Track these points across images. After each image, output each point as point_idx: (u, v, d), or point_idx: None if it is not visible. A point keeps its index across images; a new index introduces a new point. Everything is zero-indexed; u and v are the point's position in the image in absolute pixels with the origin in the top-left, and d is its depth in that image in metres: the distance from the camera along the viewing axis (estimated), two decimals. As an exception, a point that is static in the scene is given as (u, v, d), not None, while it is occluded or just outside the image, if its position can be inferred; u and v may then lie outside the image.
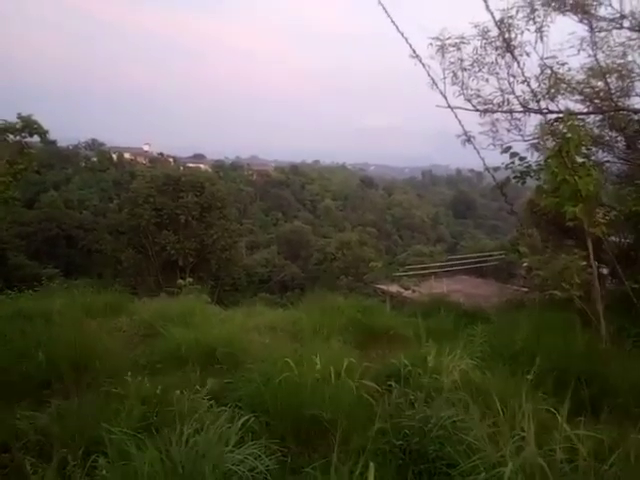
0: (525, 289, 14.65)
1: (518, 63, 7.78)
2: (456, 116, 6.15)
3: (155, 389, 4.78)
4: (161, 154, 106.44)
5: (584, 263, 7.27)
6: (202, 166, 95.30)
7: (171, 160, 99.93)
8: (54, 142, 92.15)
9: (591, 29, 9.15)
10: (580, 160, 6.71)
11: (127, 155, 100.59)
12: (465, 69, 9.84)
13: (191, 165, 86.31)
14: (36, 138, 14.86)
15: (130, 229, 38.59)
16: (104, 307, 8.26)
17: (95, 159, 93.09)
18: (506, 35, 8.75)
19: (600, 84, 9.52)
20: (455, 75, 9.84)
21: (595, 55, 9.29)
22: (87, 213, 67.26)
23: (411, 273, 21.47)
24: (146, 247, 37.07)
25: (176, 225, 37.82)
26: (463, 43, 9.69)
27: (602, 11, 9.11)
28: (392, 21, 5.27)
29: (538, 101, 8.64)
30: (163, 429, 3.96)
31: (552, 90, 9.26)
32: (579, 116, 8.68)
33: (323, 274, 56.62)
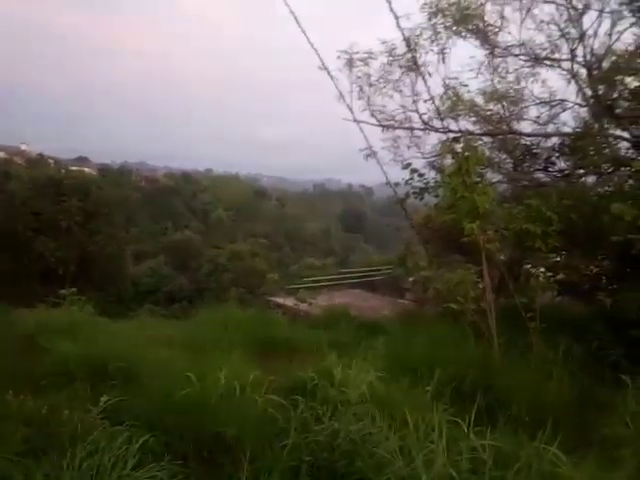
0: (414, 303, 15.17)
1: (424, 81, 8.08)
2: (361, 130, 6.23)
3: (40, 408, 4.34)
4: (41, 155, 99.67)
5: (476, 278, 7.61)
6: (86, 169, 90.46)
7: (52, 162, 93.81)
8: None
9: (490, 54, 9.73)
10: (476, 179, 7.04)
11: (1, 154, 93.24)
12: (371, 84, 10.09)
13: (74, 168, 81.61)
14: None
15: (4, 233, 35.61)
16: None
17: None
18: (412, 54, 9.06)
19: (495, 108, 10.14)
20: (362, 90, 10.07)
21: (492, 79, 9.91)
22: (-47, 215, 61.40)
23: (304, 286, 21.51)
24: (21, 253, 34.33)
25: (57, 231, 35.40)
26: (371, 58, 9.93)
27: (500, 38, 9.76)
28: (302, 31, 5.23)
29: (442, 119, 9.02)
30: (52, 453, 3.59)
31: (453, 110, 9.73)
32: (476, 137, 9.16)
33: (213, 285, 55.56)
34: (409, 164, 9.09)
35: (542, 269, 8.57)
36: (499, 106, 10.10)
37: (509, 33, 9.63)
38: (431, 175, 9.31)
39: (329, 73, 5.67)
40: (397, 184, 8.55)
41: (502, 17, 9.79)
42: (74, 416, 4.19)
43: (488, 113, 10.26)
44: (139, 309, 43.03)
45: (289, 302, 18.42)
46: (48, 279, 32.36)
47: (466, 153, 6.57)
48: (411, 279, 15.46)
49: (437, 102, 9.52)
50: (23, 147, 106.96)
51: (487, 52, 9.87)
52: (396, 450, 3.69)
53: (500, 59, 9.99)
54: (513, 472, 3.59)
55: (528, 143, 10.57)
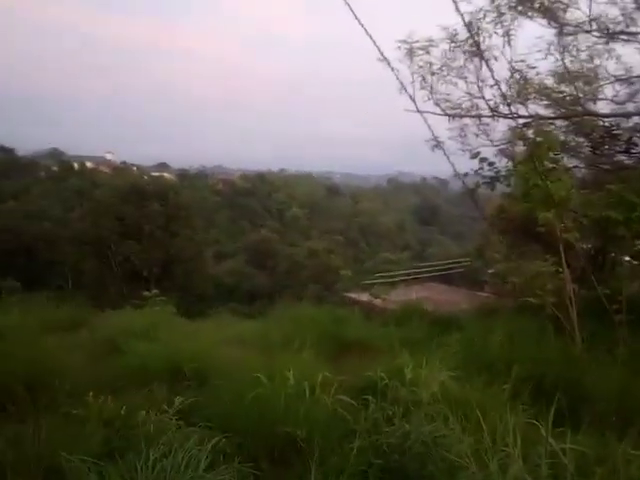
0: (494, 296, 14.70)
1: (488, 66, 7.75)
2: (425, 120, 6.05)
3: (119, 410, 4.50)
4: (124, 163, 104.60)
5: (556, 269, 7.25)
6: (166, 175, 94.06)
7: (134, 169, 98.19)
8: (12, 151, 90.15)
9: (559, 33, 9.20)
10: (551, 165, 6.69)
11: (89, 164, 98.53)
12: (434, 73, 9.75)
13: (155, 174, 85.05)
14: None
15: (93, 239, 37.62)
16: (63, 322, 7.88)
17: (55, 168, 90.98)
18: (475, 38, 8.72)
19: (568, 89, 9.59)
20: (424, 79, 9.76)
21: (563, 59, 9.35)
22: (48, 224, 65.45)
23: (380, 281, 21.36)
24: (109, 258, 36.17)
25: (140, 235, 37.04)
26: (431, 46, 9.61)
27: (569, 15, 9.19)
28: (360, 23, 5.12)
29: (508, 105, 8.62)
30: (128, 454, 3.70)
31: (521, 94, 9.27)
32: (547, 121, 8.71)
33: (291, 283, 56.37)
34: (478, 153, 8.75)
35: (627, 257, 8.04)
36: (571, 87, 9.50)
37: (578, 9, 9.05)
38: (502, 163, 8.93)
39: (389, 64, 5.54)
40: (467, 174, 8.28)
41: None
42: (150, 417, 4.32)
43: (560, 95, 9.68)
44: (221, 307, 44.46)
45: (365, 298, 18.36)
46: (134, 281, 33.89)
47: (538, 139, 6.25)
48: (490, 271, 15.03)
49: (504, 87, 9.14)
50: (108, 156, 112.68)
51: (556, 31, 9.32)
52: (469, 454, 3.54)
53: (570, 37, 9.41)
54: (598, 478, 3.36)
55: (607, 124, 9.93)
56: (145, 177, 65.49)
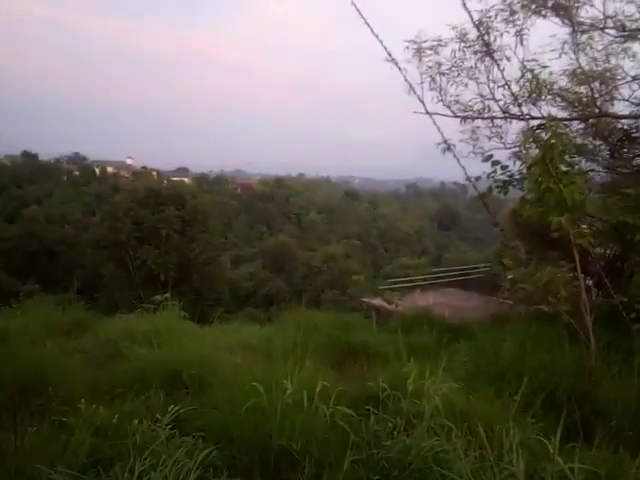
0: (510, 302, 14.39)
1: (498, 66, 7.51)
2: (434, 122, 5.84)
3: (111, 418, 4.37)
4: (144, 167, 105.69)
5: (570, 275, 6.99)
6: (186, 179, 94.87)
7: (154, 173, 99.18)
8: (35, 156, 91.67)
9: (574, 31, 8.91)
10: (564, 168, 6.45)
11: (110, 169, 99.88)
12: (443, 73, 9.50)
13: (175, 179, 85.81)
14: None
15: (111, 243, 37.87)
16: (68, 325, 7.80)
17: (77, 173, 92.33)
18: (485, 37, 8.49)
19: (583, 89, 9.29)
20: (433, 80, 9.52)
21: (577, 59, 9.06)
22: (69, 227, 66.36)
23: (397, 286, 21.13)
24: (127, 261, 36.32)
25: (157, 239, 37.13)
26: (440, 46, 9.38)
27: (584, 13, 8.91)
28: (366, 22, 4.95)
29: (520, 105, 8.37)
30: (114, 465, 3.57)
31: (534, 94, 9.00)
32: (562, 123, 8.44)
33: (308, 287, 56.30)
34: (490, 156, 8.50)
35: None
36: (587, 87, 9.20)
37: (593, 6, 8.74)
38: (515, 167, 8.68)
39: (396, 64, 5.36)
40: (479, 178, 8.04)
41: None
42: (142, 426, 4.18)
43: (575, 96, 9.39)
44: (239, 312, 44.50)
45: (378, 302, 18.14)
46: (151, 285, 33.97)
47: (550, 140, 6.02)
48: (508, 277, 14.74)
49: (515, 87, 8.87)
50: (129, 161, 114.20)
51: (570, 29, 9.00)
52: (469, 473, 3.34)
53: (585, 36, 9.09)
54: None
55: (625, 127, 9.60)
56: (165, 181, 66.09)
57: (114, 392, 5.25)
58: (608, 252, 9.34)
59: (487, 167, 8.61)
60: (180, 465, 3.57)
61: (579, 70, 9.09)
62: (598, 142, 10.01)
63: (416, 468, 3.67)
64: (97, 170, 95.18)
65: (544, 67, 9.04)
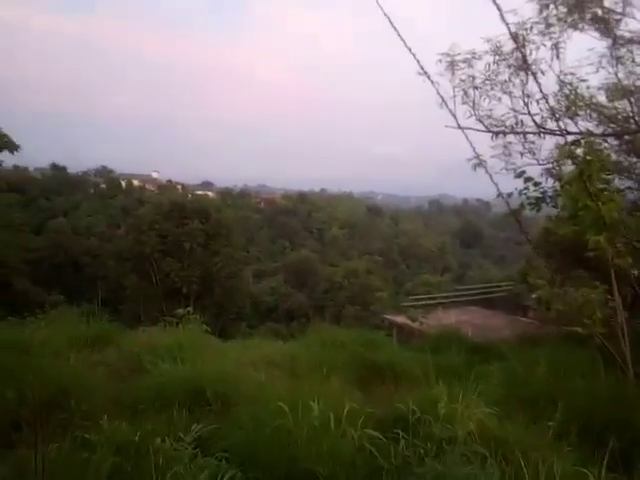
0: (537, 322, 14.07)
1: (536, 79, 7.32)
2: (467, 137, 5.69)
3: (133, 435, 4.27)
4: (169, 181, 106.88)
5: (606, 297, 6.73)
6: (210, 194, 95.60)
7: (179, 187, 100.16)
8: (64, 168, 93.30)
9: (612, 45, 8.67)
10: (601, 186, 6.23)
11: (136, 182, 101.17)
12: (476, 87, 9.33)
13: (199, 192, 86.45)
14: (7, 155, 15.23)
15: (134, 255, 38.12)
16: (92, 338, 7.74)
17: (104, 186, 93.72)
18: (521, 50, 8.30)
19: (620, 104, 9.05)
20: (466, 93, 9.33)
21: (616, 73, 8.80)
22: (94, 239, 67.18)
23: (419, 303, 20.90)
24: (150, 274, 36.51)
25: (180, 252, 37.25)
26: (474, 58, 9.22)
27: (623, 26, 8.69)
28: (398, 34, 4.85)
29: (557, 120, 8.14)
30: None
31: (570, 109, 8.77)
32: (598, 139, 8.21)
33: (330, 303, 56.04)
34: (523, 172, 8.27)
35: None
36: (625, 102, 8.94)
37: (634, 18, 8.52)
38: (548, 184, 8.45)
39: (429, 77, 5.22)
40: (510, 195, 7.84)
41: (624, 1, 8.72)
42: (165, 445, 4.07)
43: (612, 111, 9.13)
44: (260, 326, 44.36)
45: (403, 320, 17.91)
46: (174, 298, 34.09)
47: (587, 157, 5.83)
48: (533, 296, 14.45)
49: (552, 101, 8.64)
50: (154, 175, 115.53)
51: (608, 43, 8.78)
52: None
53: (624, 49, 8.85)
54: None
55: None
56: (189, 195, 66.63)
57: (136, 408, 5.16)
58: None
59: (518, 184, 8.40)
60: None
61: (617, 85, 8.85)
62: (633, 160, 9.74)
63: (449, 498, 3.50)
64: (123, 183, 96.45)
65: (582, 81, 8.83)
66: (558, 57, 8.84)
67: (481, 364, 7.42)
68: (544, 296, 8.07)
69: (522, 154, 9.75)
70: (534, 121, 9.07)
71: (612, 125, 9.27)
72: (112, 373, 6.50)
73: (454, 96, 9.22)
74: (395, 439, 4.33)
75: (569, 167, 6.53)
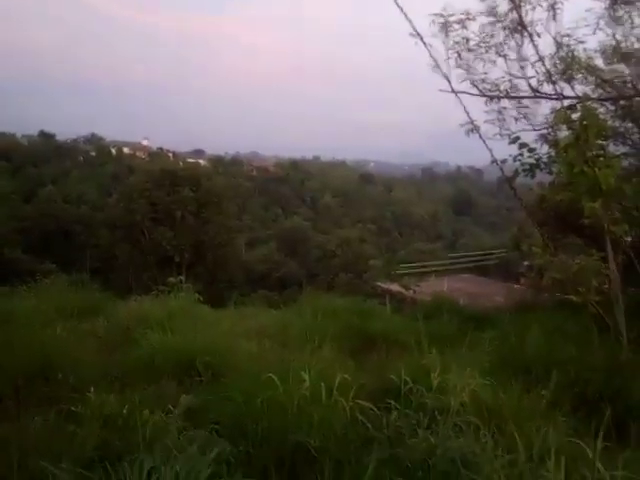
0: (530, 289, 14.07)
1: (532, 41, 7.10)
2: (461, 101, 5.55)
3: (121, 407, 4.18)
4: (160, 149, 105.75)
5: (601, 265, 6.66)
6: (201, 161, 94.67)
7: (170, 155, 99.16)
8: (52, 136, 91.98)
9: (611, 5, 8.40)
10: (598, 151, 6.10)
11: (126, 149, 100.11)
12: (470, 49, 9.06)
13: (190, 160, 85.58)
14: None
15: (126, 224, 37.87)
16: (80, 308, 7.62)
17: (94, 153, 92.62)
18: (517, 11, 8.03)
19: (618, 68, 8.82)
20: (459, 56, 9.04)
21: (614, 35, 8.56)
22: (85, 208, 66.59)
23: (412, 271, 20.92)
24: (141, 242, 36.34)
25: (172, 221, 37.01)
26: (469, 19, 8.91)
27: None
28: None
29: (553, 83, 7.93)
30: (123, 460, 3.36)
31: (568, 71, 8.54)
32: (594, 103, 8.02)
33: (322, 271, 56.14)
34: (517, 138, 8.09)
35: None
36: (622, 66, 8.70)
37: None
38: (543, 149, 8.27)
39: (421, 39, 5.04)
40: (504, 161, 7.70)
41: None
42: (153, 417, 3.98)
43: (610, 75, 8.88)
44: (252, 294, 44.51)
45: (396, 288, 17.91)
46: (166, 266, 33.99)
47: (584, 121, 5.67)
48: (526, 263, 14.49)
49: (548, 64, 8.41)
50: (145, 142, 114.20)
51: (607, 3, 8.49)
52: (500, 477, 3.10)
53: (623, 10, 8.57)
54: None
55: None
56: (180, 163, 65.96)
57: (125, 380, 5.07)
58: (637, 240, 8.98)
59: (512, 150, 8.24)
60: (192, 461, 3.37)
61: (615, 47, 8.61)
62: (629, 124, 9.57)
63: (442, 470, 3.44)
64: (113, 151, 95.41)
65: (580, 42, 8.57)
66: (555, 18, 8.57)
67: (474, 332, 7.37)
68: (539, 264, 8.01)
69: (517, 119, 9.55)
70: (529, 85, 8.85)
71: (609, 89, 9.06)
72: (101, 344, 6.40)
73: (447, 59, 8.96)
74: (387, 409, 4.26)
75: (565, 132, 6.39)
